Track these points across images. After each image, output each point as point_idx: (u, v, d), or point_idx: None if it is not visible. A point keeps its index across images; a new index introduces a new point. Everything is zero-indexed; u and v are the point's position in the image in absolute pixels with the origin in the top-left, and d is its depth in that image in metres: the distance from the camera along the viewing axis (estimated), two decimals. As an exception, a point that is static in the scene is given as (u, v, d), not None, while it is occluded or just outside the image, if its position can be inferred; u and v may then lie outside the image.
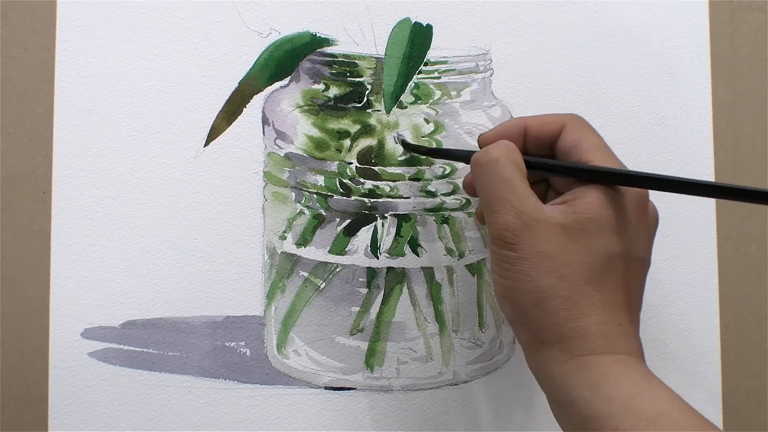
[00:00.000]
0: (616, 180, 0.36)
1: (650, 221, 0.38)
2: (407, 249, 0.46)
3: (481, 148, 0.39)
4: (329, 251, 0.46)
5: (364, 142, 0.45)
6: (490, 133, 0.40)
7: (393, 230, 0.46)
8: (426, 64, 0.46)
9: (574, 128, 0.39)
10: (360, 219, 0.46)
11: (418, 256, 0.46)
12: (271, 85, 0.46)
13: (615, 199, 0.36)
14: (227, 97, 0.46)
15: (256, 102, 0.46)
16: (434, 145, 0.45)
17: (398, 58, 0.46)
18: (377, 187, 0.45)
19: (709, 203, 0.50)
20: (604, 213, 0.36)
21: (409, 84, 0.46)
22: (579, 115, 0.40)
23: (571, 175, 0.37)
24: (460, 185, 0.46)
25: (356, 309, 0.46)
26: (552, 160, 0.39)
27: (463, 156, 0.40)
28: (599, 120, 0.48)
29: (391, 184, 0.45)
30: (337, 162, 0.45)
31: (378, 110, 0.45)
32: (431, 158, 0.45)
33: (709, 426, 0.33)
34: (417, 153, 0.45)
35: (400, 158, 0.45)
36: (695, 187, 0.36)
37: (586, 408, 0.34)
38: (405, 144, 0.45)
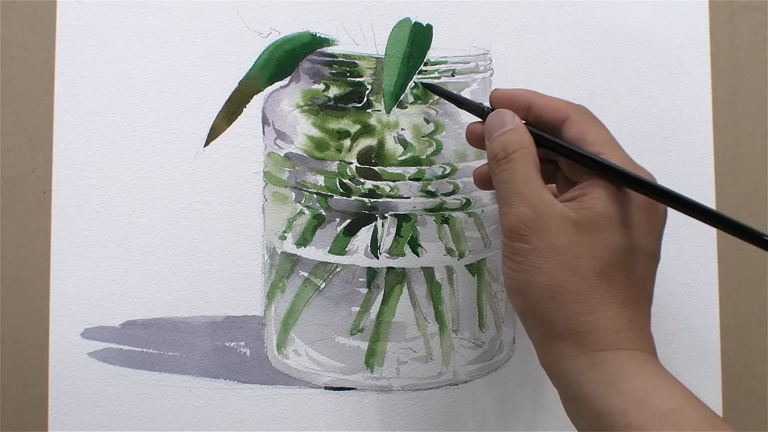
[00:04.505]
0: (626, 182, 0.36)
1: (659, 215, 0.38)
2: (407, 249, 0.46)
3: (492, 106, 0.41)
4: (329, 251, 0.46)
5: (364, 142, 0.45)
6: (502, 92, 0.41)
7: (393, 230, 0.46)
8: (426, 64, 0.46)
9: (580, 120, 0.39)
10: (360, 219, 0.46)
11: (418, 256, 0.46)
12: (271, 85, 0.46)
13: (623, 194, 0.37)
14: (227, 97, 0.46)
15: (256, 102, 0.46)
16: (434, 146, 0.45)
17: (398, 58, 0.46)
18: (377, 187, 0.45)
19: (709, 202, 0.50)
20: (612, 208, 0.36)
21: (409, 84, 0.46)
22: (584, 107, 0.40)
23: (582, 164, 0.38)
24: (460, 185, 0.46)
25: (356, 309, 0.46)
26: (567, 143, 0.39)
27: (475, 108, 0.42)
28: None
29: (391, 184, 0.45)
30: (337, 162, 0.45)
31: (378, 110, 0.45)
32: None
33: (721, 423, 0.33)
34: (434, 93, 0.45)
35: (400, 158, 0.45)
36: (706, 214, 0.36)
37: (599, 404, 0.34)
38: (425, 84, 0.45)
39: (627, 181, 0.36)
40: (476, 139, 0.42)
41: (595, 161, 0.37)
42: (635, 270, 0.36)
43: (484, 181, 0.43)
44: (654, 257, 0.38)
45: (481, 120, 0.41)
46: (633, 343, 0.35)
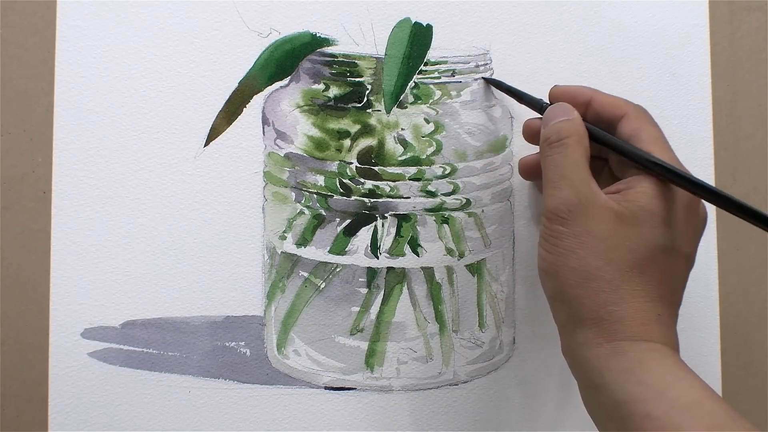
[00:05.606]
0: (674, 178, 0.37)
1: (699, 220, 0.39)
2: (407, 249, 0.46)
3: (551, 101, 0.42)
4: (329, 251, 0.46)
5: (364, 142, 0.45)
6: (562, 89, 0.42)
7: (393, 230, 0.46)
8: (426, 64, 0.46)
9: (636, 118, 0.40)
10: (360, 219, 0.46)
11: (418, 256, 0.46)
12: (271, 85, 0.46)
13: (667, 192, 0.37)
14: (227, 97, 0.46)
15: (256, 102, 0.46)
16: (434, 146, 0.45)
17: (398, 58, 0.46)
18: (377, 187, 0.45)
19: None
20: (656, 204, 0.37)
21: (410, 84, 0.46)
22: (642, 107, 0.41)
23: (632, 160, 0.38)
24: (460, 185, 0.46)
25: (356, 309, 0.46)
26: (616, 138, 0.40)
27: (534, 103, 0.43)
28: (599, 120, 0.48)
29: (391, 184, 0.45)
30: (337, 162, 0.45)
31: (378, 110, 0.45)
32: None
33: (741, 419, 0.33)
34: (495, 87, 0.46)
35: (400, 158, 0.45)
36: (756, 216, 0.35)
37: (618, 392, 0.34)
38: (486, 79, 0.47)
39: (675, 178, 0.37)
40: (532, 134, 0.43)
41: (644, 157, 0.38)
42: (669, 268, 0.37)
43: (528, 170, 0.45)
44: (689, 260, 0.38)
45: (539, 116, 0.42)
46: (657, 337, 0.36)
